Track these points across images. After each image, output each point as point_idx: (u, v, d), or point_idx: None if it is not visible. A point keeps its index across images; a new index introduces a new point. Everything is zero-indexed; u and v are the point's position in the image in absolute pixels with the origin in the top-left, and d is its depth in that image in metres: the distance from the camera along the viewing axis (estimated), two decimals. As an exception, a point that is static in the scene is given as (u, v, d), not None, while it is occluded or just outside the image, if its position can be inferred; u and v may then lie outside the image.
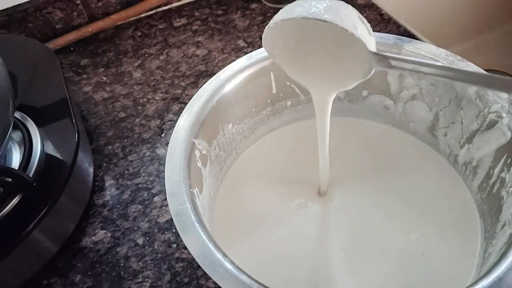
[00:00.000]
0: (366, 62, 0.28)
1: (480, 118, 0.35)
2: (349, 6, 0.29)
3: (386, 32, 0.47)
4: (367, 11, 0.62)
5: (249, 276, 0.26)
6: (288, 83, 0.41)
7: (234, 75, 0.38)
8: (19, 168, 0.40)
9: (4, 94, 0.36)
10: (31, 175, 0.39)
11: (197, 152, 0.34)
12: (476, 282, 0.26)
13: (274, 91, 0.41)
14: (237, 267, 0.26)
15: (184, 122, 0.35)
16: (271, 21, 0.30)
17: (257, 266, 0.35)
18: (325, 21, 0.27)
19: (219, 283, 0.26)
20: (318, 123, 0.35)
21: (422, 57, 0.37)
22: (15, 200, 0.38)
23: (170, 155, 0.33)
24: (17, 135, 0.43)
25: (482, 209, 0.37)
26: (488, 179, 0.36)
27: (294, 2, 0.29)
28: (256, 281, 0.25)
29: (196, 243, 0.27)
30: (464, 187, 0.39)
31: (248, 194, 0.41)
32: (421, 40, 0.48)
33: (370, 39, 0.28)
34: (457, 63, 0.36)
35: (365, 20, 0.29)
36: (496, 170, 0.35)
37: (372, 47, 0.28)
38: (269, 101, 0.42)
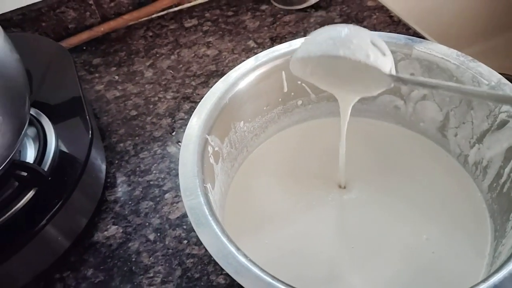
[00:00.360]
0: (385, 81, 0.30)
1: (491, 118, 0.36)
2: (361, 32, 0.30)
3: (396, 33, 0.47)
4: (377, 13, 0.62)
5: (262, 269, 0.26)
6: (299, 82, 0.42)
7: (246, 73, 0.38)
8: (34, 163, 0.40)
9: (21, 91, 0.37)
10: (45, 170, 0.39)
11: (210, 149, 0.35)
12: (487, 278, 0.26)
13: (286, 90, 0.42)
14: (251, 260, 0.26)
15: (198, 119, 0.35)
16: (293, 56, 0.32)
17: (267, 262, 0.35)
18: (339, 57, 0.29)
19: (233, 276, 0.26)
20: (341, 117, 0.37)
21: (434, 57, 0.37)
22: (29, 195, 0.39)
23: (184, 150, 0.33)
24: (31, 131, 0.43)
25: (492, 208, 0.37)
26: (498, 179, 0.36)
27: (310, 37, 0.31)
28: (269, 274, 0.26)
29: (210, 237, 0.28)
30: (474, 186, 0.39)
31: (258, 192, 0.41)
32: (428, 39, 0.48)
33: (385, 60, 0.30)
34: (468, 63, 0.37)
35: (379, 41, 0.31)
36: (507, 169, 0.35)
37: (387, 68, 0.29)
38: (280, 99, 0.42)
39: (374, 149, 0.43)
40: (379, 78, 0.30)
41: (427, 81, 0.29)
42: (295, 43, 0.41)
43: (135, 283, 0.38)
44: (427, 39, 0.56)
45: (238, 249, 0.27)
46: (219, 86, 0.38)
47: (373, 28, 0.60)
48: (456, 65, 0.37)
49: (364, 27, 0.60)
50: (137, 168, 0.47)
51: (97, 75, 0.59)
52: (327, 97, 0.44)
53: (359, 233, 0.37)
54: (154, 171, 0.47)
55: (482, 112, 0.36)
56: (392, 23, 0.61)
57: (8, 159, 0.35)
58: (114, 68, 0.59)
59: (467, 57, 0.37)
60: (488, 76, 0.36)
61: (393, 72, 0.30)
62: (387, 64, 0.30)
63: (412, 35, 0.58)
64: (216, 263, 0.38)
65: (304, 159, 0.43)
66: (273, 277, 0.26)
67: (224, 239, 0.27)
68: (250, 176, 0.42)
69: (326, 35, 0.30)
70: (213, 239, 0.28)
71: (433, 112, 0.41)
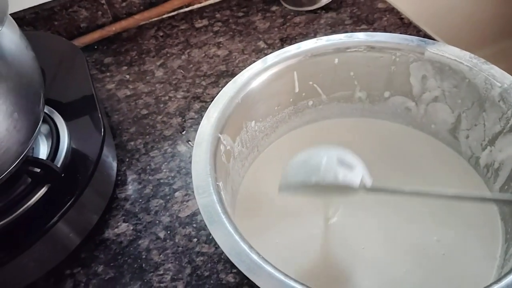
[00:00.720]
0: (357, 191, 0.32)
1: (504, 120, 0.36)
2: (327, 153, 0.33)
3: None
4: (387, 15, 0.62)
5: (275, 268, 0.26)
6: (310, 82, 0.42)
7: (258, 74, 0.39)
8: (46, 160, 0.41)
9: (36, 88, 0.37)
10: (58, 167, 0.40)
11: (222, 147, 0.35)
12: (499, 279, 0.26)
13: (297, 90, 0.42)
14: (263, 258, 0.27)
15: (210, 118, 0.35)
16: (279, 184, 0.34)
17: (277, 262, 0.35)
18: (313, 183, 0.32)
19: (246, 273, 0.26)
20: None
21: (446, 58, 0.37)
22: (42, 191, 0.39)
23: (196, 149, 0.33)
24: (44, 128, 0.44)
25: (503, 211, 0.37)
26: (510, 181, 0.36)
27: (287, 167, 0.34)
28: (282, 272, 0.26)
29: (223, 234, 0.28)
30: (485, 189, 0.39)
31: (268, 191, 0.41)
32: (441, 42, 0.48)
33: (353, 176, 0.32)
34: (481, 66, 0.37)
35: (346, 157, 0.33)
36: (519, 172, 0.35)
37: (357, 181, 0.32)
38: (291, 100, 0.42)
39: (385, 150, 0.43)
40: (352, 190, 0.32)
41: (397, 190, 0.33)
42: (307, 44, 0.41)
43: (145, 280, 0.38)
44: (437, 41, 0.56)
45: (251, 247, 0.27)
46: (231, 86, 0.38)
47: (384, 30, 0.60)
48: (468, 67, 0.37)
49: (374, 29, 0.61)
50: (148, 167, 0.47)
51: (108, 74, 0.59)
52: (337, 98, 0.44)
53: (370, 234, 0.37)
54: (164, 170, 0.47)
55: (495, 115, 0.36)
56: (403, 25, 0.61)
57: (22, 155, 0.35)
58: (125, 68, 0.60)
59: (480, 59, 0.37)
60: (501, 78, 0.36)
61: (366, 181, 0.32)
62: (356, 178, 0.32)
63: (423, 36, 0.58)
64: (226, 262, 0.39)
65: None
66: (286, 275, 0.26)
67: (237, 237, 0.28)
68: (260, 176, 0.42)
69: (300, 163, 0.34)
70: (226, 237, 0.28)
71: (445, 114, 0.41)
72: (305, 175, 0.33)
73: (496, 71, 0.36)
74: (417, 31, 0.59)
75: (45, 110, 0.45)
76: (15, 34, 0.36)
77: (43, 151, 0.42)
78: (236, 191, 0.40)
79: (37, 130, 0.36)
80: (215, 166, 0.33)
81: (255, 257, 0.27)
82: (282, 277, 0.26)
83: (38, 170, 0.38)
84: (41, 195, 0.39)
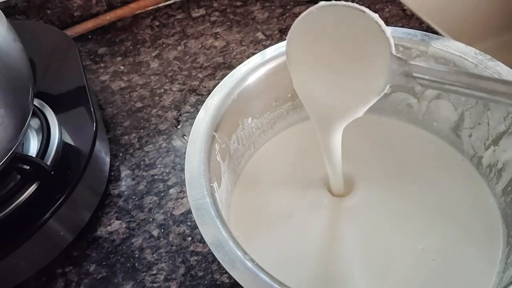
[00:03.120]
0: (386, 69, 0.27)
1: (509, 119, 0.34)
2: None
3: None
4: (389, 6, 0.61)
5: (269, 275, 0.25)
6: (309, 77, 0.41)
7: (255, 68, 0.37)
8: (36, 155, 0.39)
9: (24, 82, 0.36)
10: (48, 163, 0.39)
11: (217, 146, 0.34)
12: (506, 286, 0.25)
13: (295, 85, 0.40)
14: (257, 265, 0.26)
15: (205, 115, 0.34)
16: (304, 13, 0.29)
17: (273, 263, 0.34)
18: (364, 12, 0.27)
19: (239, 280, 0.25)
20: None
21: (450, 54, 0.36)
22: (32, 188, 0.38)
23: (190, 148, 0.32)
24: (35, 123, 0.43)
25: (505, 213, 0.36)
26: (514, 183, 0.35)
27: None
28: (276, 279, 0.25)
29: (216, 239, 0.27)
30: (487, 190, 0.38)
31: (265, 189, 0.40)
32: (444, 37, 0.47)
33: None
34: (486, 62, 0.35)
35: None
36: (523, 174, 0.34)
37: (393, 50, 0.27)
38: (289, 95, 0.41)
39: (384, 147, 0.42)
40: (382, 65, 0.27)
41: (440, 70, 0.26)
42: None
43: (138, 280, 0.38)
44: (441, 34, 0.54)
45: (245, 253, 0.26)
46: (227, 81, 0.37)
47: (386, 21, 0.58)
48: (474, 63, 0.35)
49: (377, 20, 0.59)
50: (142, 162, 0.46)
51: (102, 65, 0.58)
52: (337, 94, 0.43)
53: (366, 236, 0.36)
54: (158, 165, 0.46)
55: (500, 114, 0.35)
56: (405, 17, 0.59)
57: (10, 152, 0.34)
58: (120, 58, 0.58)
59: (486, 56, 0.36)
60: (507, 76, 0.34)
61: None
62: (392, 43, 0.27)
63: (426, 30, 0.56)
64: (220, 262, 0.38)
65: (312, 156, 0.42)
66: (281, 283, 0.25)
67: (231, 242, 0.27)
68: (257, 174, 0.41)
69: None
70: (219, 242, 0.27)
71: (448, 112, 0.39)
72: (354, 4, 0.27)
73: (502, 69, 0.35)
74: (420, 23, 0.58)
75: (36, 104, 0.44)
76: (2, 27, 0.34)
77: (33, 146, 0.41)
78: (232, 189, 0.39)
79: (25, 126, 0.35)
80: (210, 166, 0.32)
81: (248, 263, 0.26)
82: (276, 285, 0.25)
83: (27, 167, 0.37)
84: (31, 192, 0.38)
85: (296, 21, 0.29)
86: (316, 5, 0.28)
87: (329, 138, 0.33)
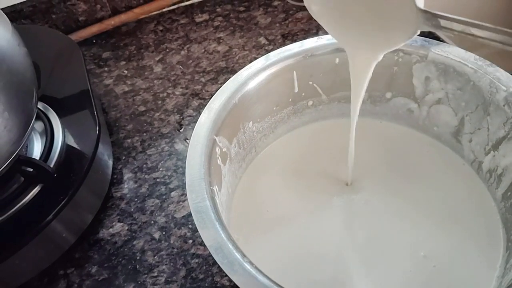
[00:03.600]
0: (413, 20, 0.27)
1: (508, 125, 0.34)
2: None
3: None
4: (392, 12, 0.61)
5: (268, 278, 0.25)
6: (310, 82, 0.41)
7: (257, 73, 0.38)
8: (40, 158, 0.40)
9: (28, 86, 0.37)
10: (52, 166, 0.39)
11: (217, 149, 0.34)
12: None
13: (296, 90, 0.41)
14: (256, 268, 0.26)
15: (206, 119, 0.34)
16: None
17: (274, 265, 0.34)
18: None
19: (238, 283, 0.25)
20: (352, 96, 0.34)
21: (450, 60, 0.36)
22: (35, 190, 0.38)
23: (191, 151, 0.32)
24: (39, 126, 0.43)
25: (505, 218, 0.36)
26: (513, 188, 0.35)
27: None
28: (275, 283, 0.25)
29: (215, 242, 0.27)
30: (487, 194, 0.38)
31: (266, 193, 0.40)
32: (445, 42, 0.47)
33: None
34: (486, 68, 0.36)
35: None
36: (523, 179, 0.34)
37: (420, 3, 0.27)
38: (290, 100, 0.42)
39: (385, 152, 0.42)
40: (409, 16, 0.26)
41: (465, 20, 0.25)
42: (308, 42, 0.40)
43: (139, 282, 0.38)
44: (441, 40, 0.54)
45: (244, 255, 0.26)
46: (229, 85, 0.37)
47: (387, 27, 0.59)
48: (473, 69, 0.36)
49: (378, 26, 0.59)
50: (144, 165, 0.47)
51: (106, 69, 0.58)
52: (338, 98, 0.43)
53: (368, 237, 0.37)
54: (161, 169, 0.46)
55: (499, 119, 0.35)
56: (407, 22, 0.59)
57: (14, 155, 0.34)
58: (124, 63, 0.59)
59: (485, 62, 0.36)
60: (506, 82, 0.34)
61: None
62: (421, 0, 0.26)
63: (426, 36, 0.57)
64: (221, 265, 0.38)
65: (313, 160, 0.42)
66: (280, 286, 0.25)
67: (230, 245, 0.27)
68: (257, 177, 0.41)
69: None
70: (219, 245, 0.27)
71: (448, 117, 0.39)
72: None
73: (502, 74, 0.35)
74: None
75: (40, 107, 0.44)
76: (7, 31, 0.35)
77: (37, 149, 0.42)
78: (233, 193, 0.39)
79: (29, 129, 0.35)
80: (210, 169, 0.32)
81: (248, 266, 0.26)
82: (275, 288, 0.25)
83: (31, 169, 0.37)
84: (34, 194, 0.38)
85: None
86: None
87: (362, 72, 0.33)
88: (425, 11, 0.27)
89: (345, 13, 0.30)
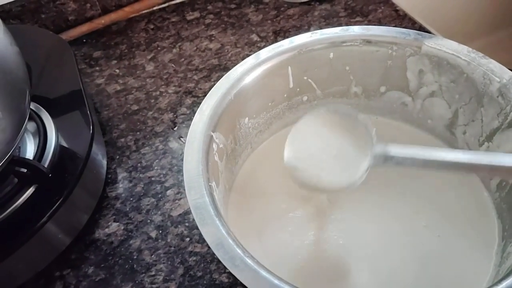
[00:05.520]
0: (366, 165, 0.31)
1: (502, 116, 0.35)
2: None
3: (403, 28, 0.46)
4: (382, 7, 0.61)
5: (269, 271, 0.25)
6: (305, 77, 0.41)
7: (252, 69, 0.38)
8: (34, 159, 0.39)
9: (21, 85, 0.36)
10: (46, 166, 0.39)
11: (214, 146, 0.34)
12: (500, 281, 0.25)
13: (291, 85, 0.41)
14: (257, 262, 0.26)
15: (202, 115, 0.34)
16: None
17: (271, 261, 0.34)
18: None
19: (239, 278, 0.25)
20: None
21: (444, 53, 0.37)
22: (29, 191, 0.38)
23: (188, 148, 0.32)
24: (31, 126, 0.43)
25: (500, 208, 0.36)
26: (507, 178, 0.35)
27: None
28: (276, 276, 0.25)
29: (216, 237, 0.27)
30: (481, 185, 0.38)
31: (262, 188, 0.40)
32: (438, 35, 0.47)
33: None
34: (479, 60, 0.36)
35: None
36: (517, 169, 0.34)
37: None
38: (285, 95, 0.42)
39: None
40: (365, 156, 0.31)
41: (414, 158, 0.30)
42: (302, 38, 0.40)
43: (137, 281, 0.38)
44: (433, 34, 0.55)
45: (244, 250, 0.26)
46: (224, 82, 0.37)
47: (378, 21, 0.59)
48: (467, 61, 0.36)
49: (369, 21, 0.60)
50: (139, 164, 0.46)
51: (97, 68, 0.58)
52: (333, 93, 0.43)
53: (364, 233, 0.37)
54: (155, 167, 0.46)
55: (493, 110, 0.35)
56: (398, 17, 0.60)
57: (7, 155, 0.34)
58: (115, 62, 0.58)
59: (478, 54, 0.36)
60: (500, 73, 0.35)
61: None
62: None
63: (418, 30, 0.57)
64: (219, 261, 0.37)
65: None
66: (281, 279, 0.25)
67: (230, 240, 0.27)
68: (254, 173, 0.41)
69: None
70: (219, 240, 0.27)
71: (442, 109, 0.40)
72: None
73: (495, 66, 0.35)
74: (413, 23, 0.58)
75: (32, 107, 0.44)
76: (-2, 30, 0.34)
77: (30, 150, 0.41)
78: (230, 189, 0.39)
79: (22, 129, 0.35)
80: (207, 165, 0.32)
81: (249, 260, 0.26)
82: (276, 281, 0.25)
83: (25, 170, 0.37)
84: (28, 196, 0.38)
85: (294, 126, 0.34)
86: (322, 109, 0.33)
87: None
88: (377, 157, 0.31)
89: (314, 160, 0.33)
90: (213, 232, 0.27)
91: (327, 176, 0.32)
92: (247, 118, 0.39)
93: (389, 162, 0.31)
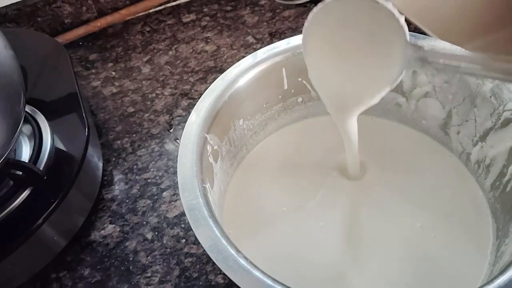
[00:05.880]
0: (401, 58, 0.28)
1: (495, 116, 0.35)
2: None
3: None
4: (377, 8, 0.61)
5: (263, 272, 0.25)
6: (299, 79, 0.41)
7: (246, 70, 0.38)
8: (29, 161, 0.40)
9: (15, 88, 0.36)
10: (41, 169, 0.39)
11: (209, 147, 0.34)
12: (492, 280, 0.25)
13: (286, 87, 0.41)
14: (251, 263, 0.26)
15: (197, 117, 0.34)
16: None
17: (266, 262, 0.34)
18: (377, 2, 0.27)
19: (233, 279, 0.25)
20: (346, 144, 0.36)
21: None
22: (25, 194, 0.38)
23: (182, 150, 0.32)
24: (27, 129, 0.43)
25: (494, 207, 0.36)
26: (501, 178, 0.35)
27: None
28: (270, 277, 0.25)
29: (209, 238, 0.27)
30: (476, 185, 0.38)
31: (258, 190, 0.40)
32: (431, 36, 0.47)
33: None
34: (472, 61, 0.36)
35: None
36: (510, 168, 0.34)
37: (408, 37, 0.28)
38: (280, 97, 0.42)
39: (375, 147, 0.42)
40: (397, 51, 0.27)
41: (452, 54, 0.27)
42: (296, 39, 0.40)
43: (133, 283, 0.38)
44: (428, 35, 0.55)
45: (238, 251, 0.26)
46: (218, 84, 0.37)
47: (374, 23, 0.59)
48: (459, 62, 0.36)
49: (365, 22, 0.59)
50: (135, 166, 0.46)
51: (93, 71, 0.58)
52: (327, 94, 0.43)
53: (361, 232, 0.37)
54: (151, 169, 0.46)
55: (486, 110, 0.36)
56: (393, 19, 0.60)
57: (2, 158, 0.34)
58: (111, 64, 0.58)
59: (471, 55, 0.36)
60: (492, 74, 0.35)
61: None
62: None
63: (413, 31, 0.57)
64: (214, 263, 0.38)
65: (304, 157, 0.42)
66: (274, 280, 0.25)
67: (224, 241, 0.27)
68: (249, 175, 0.41)
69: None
70: (213, 241, 0.27)
71: (436, 110, 0.40)
72: None
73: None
74: (408, 24, 0.58)
75: (28, 110, 0.44)
76: (-8, 33, 0.34)
77: (25, 152, 0.41)
78: (225, 190, 0.39)
79: (17, 132, 0.35)
80: (202, 167, 0.32)
81: (242, 261, 0.26)
82: (270, 282, 0.25)
83: (20, 173, 0.37)
84: (24, 198, 0.38)
85: (312, 13, 0.30)
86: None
87: (346, 124, 0.34)
88: (414, 45, 0.28)
89: (336, 57, 0.31)
90: (206, 233, 0.28)
91: (357, 92, 0.30)
92: (242, 120, 0.39)
93: (426, 64, 0.28)
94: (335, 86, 0.33)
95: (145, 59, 0.59)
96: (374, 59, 0.30)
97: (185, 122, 0.35)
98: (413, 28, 0.59)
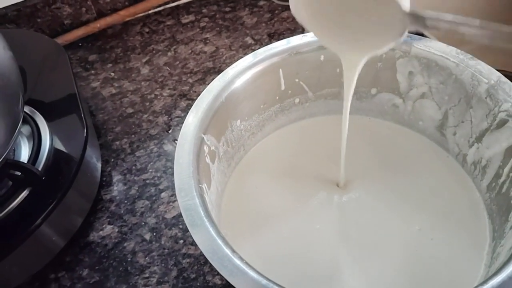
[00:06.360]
0: (400, 22, 0.27)
1: (490, 117, 0.35)
2: None
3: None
4: (376, 9, 0.62)
5: (258, 272, 0.26)
6: (296, 80, 0.41)
7: (243, 71, 0.38)
8: (28, 162, 0.40)
9: (14, 89, 0.36)
10: (40, 169, 0.39)
11: (205, 148, 0.34)
12: (486, 281, 0.26)
13: (283, 88, 0.41)
14: (246, 263, 0.26)
15: (194, 118, 0.35)
16: None
17: (263, 263, 0.35)
18: None
19: (228, 278, 0.26)
20: (345, 87, 0.35)
21: (433, 54, 0.37)
22: (23, 194, 0.38)
23: (179, 150, 0.33)
24: (26, 129, 0.43)
25: (490, 208, 0.36)
26: (497, 179, 0.35)
27: None
28: (264, 277, 0.25)
29: (205, 238, 0.27)
30: (472, 186, 0.39)
31: (255, 191, 0.41)
32: (427, 37, 0.47)
33: None
34: (467, 61, 0.36)
35: None
36: (506, 169, 0.34)
37: (406, 6, 0.27)
38: (277, 98, 0.42)
39: (372, 148, 0.43)
40: (396, 19, 0.27)
41: (450, 20, 0.26)
42: (293, 40, 0.40)
43: (131, 284, 0.38)
44: (425, 36, 0.55)
45: (233, 251, 0.27)
46: (216, 84, 0.37)
47: (372, 24, 0.59)
48: (455, 63, 0.36)
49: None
50: (133, 167, 0.47)
51: (93, 72, 0.58)
52: (324, 95, 0.43)
53: (358, 233, 0.37)
54: (150, 170, 0.46)
55: (482, 111, 0.36)
56: (391, 20, 0.60)
57: (1, 159, 0.34)
58: (110, 65, 0.59)
59: (467, 55, 0.37)
60: (488, 74, 0.35)
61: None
62: (407, 2, 0.27)
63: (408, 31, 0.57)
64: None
65: (301, 158, 0.42)
66: (269, 280, 0.25)
67: (219, 241, 0.27)
68: (247, 175, 0.41)
69: None
70: (208, 241, 0.27)
71: (432, 111, 0.40)
72: None
73: (483, 67, 0.36)
74: None
75: (27, 111, 0.44)
76: (-9, 35, 0.35)
77: (24, 153, 0.41)
78: (222, 191, 0.40)
79: (16, 132, 0.35)
80: (199, 168, 0.32)
81: (238, 262, 0.26)
82: (265, 282, 0.25)
83: (19, 173, 0.37)
84: (23, 198, 0.38)
85: None
86: None
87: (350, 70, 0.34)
88: (411, 12, 0.27)
89: (333, 18, 0.31)
90: (202, 234, 0.28)
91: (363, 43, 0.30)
92: (239, 121, 0.40)
93: (423, 26, 0.27)
94: (340, 41, 0.32)
95: (144, 60, 0.59)
96: (373, 24, 0.29)
97: (183, 123, 0.35)
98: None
